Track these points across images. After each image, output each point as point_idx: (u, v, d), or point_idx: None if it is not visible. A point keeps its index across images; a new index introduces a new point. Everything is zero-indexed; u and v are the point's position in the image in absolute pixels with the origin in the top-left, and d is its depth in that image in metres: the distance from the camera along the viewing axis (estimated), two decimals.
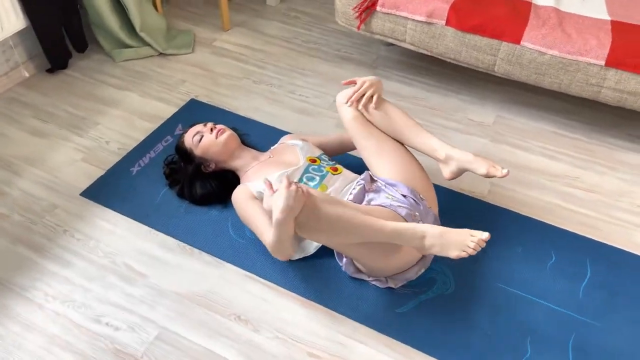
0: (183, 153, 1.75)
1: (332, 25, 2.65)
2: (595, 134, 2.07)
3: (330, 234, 1.34)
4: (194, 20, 2.68)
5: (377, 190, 1.53)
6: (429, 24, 1.97)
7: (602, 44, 1.76)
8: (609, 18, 1.88)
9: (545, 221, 1.73)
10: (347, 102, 1.60)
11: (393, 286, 1.51)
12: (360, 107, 1.59)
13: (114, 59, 2.38)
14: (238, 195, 1.61)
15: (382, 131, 1.61)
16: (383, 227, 1.32)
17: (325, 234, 1.34)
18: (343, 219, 1.30)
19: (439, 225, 1.52)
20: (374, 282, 1.52)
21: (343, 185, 1.58)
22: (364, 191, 1.53)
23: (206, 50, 2.48)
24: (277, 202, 1.26)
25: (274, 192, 1.32)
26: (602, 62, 1.76)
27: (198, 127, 1.75)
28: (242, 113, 2.13)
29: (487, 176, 1.47)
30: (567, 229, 1.71)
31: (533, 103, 2.19)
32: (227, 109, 2.15)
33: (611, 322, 1.47)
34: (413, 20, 1.99)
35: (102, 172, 1.87)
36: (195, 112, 2.13)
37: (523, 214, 1.76)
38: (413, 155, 1.62)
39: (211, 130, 1.72)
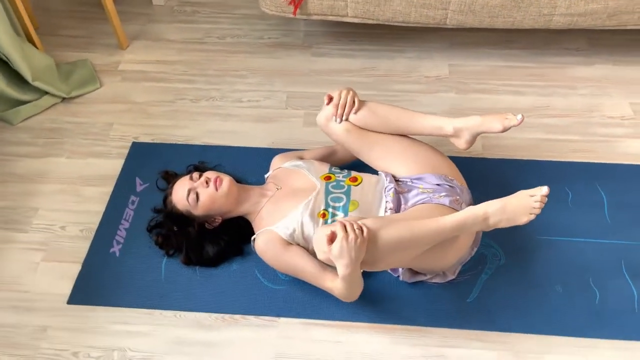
0: (179, 218, 1.51)
1: (239, 11, 2.40)
2: (539, 57, 2.14)
3: (396, 256, 1.26)
4: (79, 45, 2.26)
5: (409, 189, 1.45)
6: None
7: None
8: None
9: (544, 159, 1.78)
10: (334, 119, 1.49)
11: (452, 277, 1.48)
12: (349, 116, 1.48)
13: (11, 123, 1.95)
14: (268, 247, 1.43)
15: (379, 132, 1.51)
16: (443, 225, 1.25)
17: (391, 258, 1.26)
18: (404, 238, 1.21)
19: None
20: (434, 281, 1.48)
21: (372, 194, 1.47)
22: (398, 195, 1.44)
23: (114, 78, 2.12)
24: (341, 260, 1.17)
25: (330, 245, 1.18)
26: None
27: (185, 183, 1.50)
28: (199, 141, 1.88)
29: (505, 130, 1.44)
30: (565, 160, 1.78)
31: (474, 42, 2.20)
32: (180, 142, 1.88)
33: None
34: None
35: (79, 267, 1.56)
36: (146, 157, 1.83)
37: (523, 158, 1.79)
38: (420, 141, 1.55)
39: (206, 182, 1.48)
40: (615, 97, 1.97)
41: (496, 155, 1.80)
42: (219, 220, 1.53)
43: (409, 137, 1.54)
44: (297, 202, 1.45)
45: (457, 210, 1.38)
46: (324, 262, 1.31)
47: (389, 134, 1.51)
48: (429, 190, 1.42)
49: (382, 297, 1.47)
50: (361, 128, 1.50)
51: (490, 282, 1.49)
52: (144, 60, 2.19)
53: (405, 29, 2.25)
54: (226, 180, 1.50)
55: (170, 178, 1.66)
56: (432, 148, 1.54)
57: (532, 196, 1.28)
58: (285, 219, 1.43)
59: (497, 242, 1.57)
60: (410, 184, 1.46)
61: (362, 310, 1.44)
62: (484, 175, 1.73)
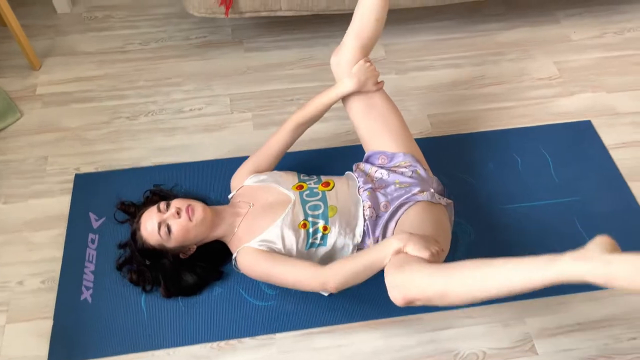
0: (151, 252, 1.44)
1: (157, 10, 2.25)
2: (466, 26, 2.21)
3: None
4: None
5: (386, 185, 1.47)
6: None
7: None
8: None
9: (489, 129, 1.88)
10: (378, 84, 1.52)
11: None
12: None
13: None
14: (252, 262, 1.39)
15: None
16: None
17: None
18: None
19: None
20: None
21: (348, 196, 1.47)
22: (374, 193, 1.46)
23: (34, 105, 1.94)
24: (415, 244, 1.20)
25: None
26: None
27: (154, 216, 1.42)
28: (148, 162, 1.78)
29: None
30: (507, 127, 1.88)
31: (402, 18, 2.22)
32: (127, 167, 1.77)
33: (592, 189, 1.72)
34: None
35: (51, 322, 1.45)
36: (94, 188, 1.71)
37: (469, 131, 1.87)
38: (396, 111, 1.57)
39: (177, 213, 1.41)
40: (539, 59, 2.10)
41: (445, 132, 1.87)
42: (193, 248, 1.47)
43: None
44: (274, 216, 1.43)
45: (439, 204, 1.43)
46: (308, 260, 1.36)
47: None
48: (405, 184, 1.45)
49: (369, 292, 1.50)
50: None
51: (465, 258, 1.57)
52: (62, 79, 2.01)
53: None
54: (199, 207, 1.44)
55: (129, 209, 1.57)
56: (406, 125, 1.57)
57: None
58: (262, 234, 1.41)
59: (464, 218, 1.65)
60: (384, 176, 1.48)
61: (354, 310, 1.47)
62: (438, 155, 1.78)
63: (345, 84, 1.51)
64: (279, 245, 1.38)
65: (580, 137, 1.86)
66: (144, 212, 1.47)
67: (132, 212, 1.56)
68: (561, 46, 2.13)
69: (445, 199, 1.48)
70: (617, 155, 1.81)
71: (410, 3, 1.92)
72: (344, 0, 1.87)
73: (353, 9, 1.88)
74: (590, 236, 1.58)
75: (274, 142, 1.56)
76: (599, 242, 1.03)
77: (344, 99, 1.55)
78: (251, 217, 1.46)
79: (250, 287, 1.51)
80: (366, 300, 1.49)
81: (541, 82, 2.02)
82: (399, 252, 1.21)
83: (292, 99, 1.96)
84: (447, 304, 1.14)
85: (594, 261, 0.99)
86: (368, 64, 1.50)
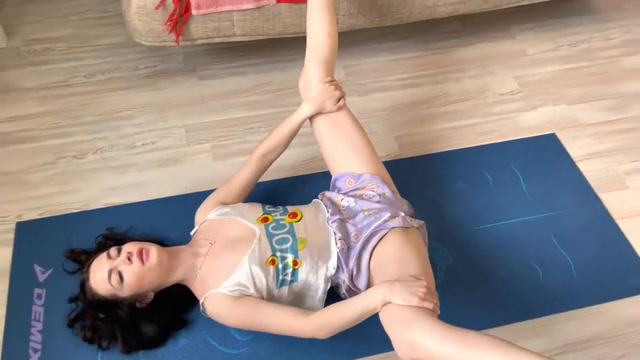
0: (104, 304, 1.30)
1: (101, 41, 2.13)
2: (423, 44, 2.18)
3: None
4: None
5: (354, 214, 1.39)
6: (259, 8, 1.72)
7: None
8: None
9: (457, 148, 1.83)
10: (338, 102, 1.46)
11: None
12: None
13: None
14: (221, 309, 1.28)
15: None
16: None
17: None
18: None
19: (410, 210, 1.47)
20: None
21: (317, 228, 1.37)
22: (343, 224, 1.38)
23: None
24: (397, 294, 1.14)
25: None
26: None
27: (104, 264, 1.28)
28: (99, 204, 1.64)
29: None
30: (475, 144, 1.85)
31: (361, 39, 2.17)
32: (75, 210, 1.62)
33: (564, 203, 1.69)
34: (239, 10, 1.71)
35: None
36: (39, 237, 1.56)
37: (437, 151, 1.82)
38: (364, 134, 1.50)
39: (128, 259, 1.28)
40: (499, 74, 2.08)
41: (413, 154, 1.82)
42: (151, 296, 1.34)
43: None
44: (239, 254, 1.32)
45: (412, 227, 1.36)
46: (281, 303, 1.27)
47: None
48: (374, 211, 1.37)
49: (353, 328, 1.40)
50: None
51: (446, 285, 1.50)
52: (1, 119, 1.85)
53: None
54: (153, 250, 1.31)
55: (79, 257, 1.43)
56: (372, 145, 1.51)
57: None
58: (231, 277, 1.29)
59: (439, 242, 1.59)
60: (351, 204, 1.40)
61: (336, 348, 1.37)
62: (408, 177, 1.72)
63: (303, 108, 1.45)
64: (251, 289, 1.27)
65: (547, 150, 1.84)
66: (93, 260, 1.33)
67: (83, 260, 1.42)
68: (519, 61, 2.13)
69: (417, 220, 1.41)
70: (584, 167, 1.79)
71: (368, 23, 1.87)
72: (300, 23, 1.80)
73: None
74: (574, 259, 1.57)
75: (240, 174, 1.47)
76: None
77: (311, 120, 1.48)
78: (213, 257, 1.35)
79: (218, 333, 1.39)
80: (350, 336, 1.39)
81: (503, 97, 2.01)
82: (385, 304, 1.13)
83: (252, 127, 1.87)
84: None
85: None
86: (327, 84, 1.44)
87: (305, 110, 1.44)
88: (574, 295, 1.50)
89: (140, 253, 1.29)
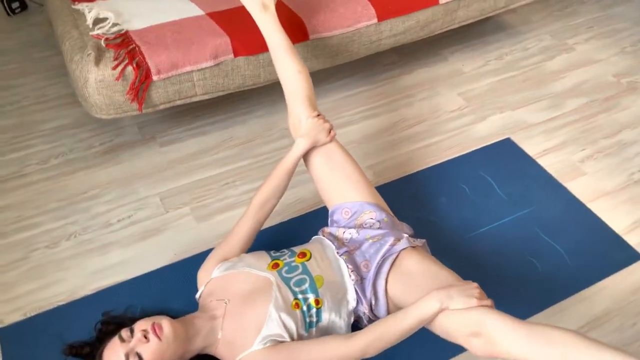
0: None
1: (47, 125, 2.03)
2: (369, 78, 2.29)
3: None
4: None
5: (359, 244, 1.40)
6: (217, 65, 1.74)
7: (366, 6, 1.90)
8: None
9: (428, 166, 1.91)
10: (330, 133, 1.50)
11: None
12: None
13: None
14: None
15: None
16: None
17: None
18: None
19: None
20: None
21: (328, 263, 1.36)
22: (351, 256, 1.38)
23: None
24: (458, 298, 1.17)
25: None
26: (375, 20, 1.91)
27: (118, 349, 1.18)
28: (87, 290, 1.53)
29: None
30: (443, 160, 1.94)
31: (325, 81, 2.24)
32: (63, 302, 1.50)
33: (537, 198, 1.80)
34: (199, 70, 1.72)
35: None
36: (28, 340, 1.41)
37: (412, 172, 1.89)
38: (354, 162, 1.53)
39: (144, 337, 1.20)
40: (445, 94, 2.22)
41: (389, 179, 1.87)
42: None
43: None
44: (261, 306, 1.27)
45: (418, 247, 1.38)
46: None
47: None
48: (377, 237, 1.39)
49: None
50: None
51: None
52: None
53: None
54: (165, 322, 1.23)
55: (82, 350, 1.32)
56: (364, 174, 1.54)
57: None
58: (263, 331, 1.24)
59: (437, 256, 1.60)
60: (353, 235, 1.42)
61: None
62: (391, 201, 1.73)
63: (299, 144, 1.46)
64: (286, 337, 1.23)
65: (507, 154, 1.96)
66: (104, 348, 1.23)
67: (88, 353, 1.30)
68: (458, 79, 2.29)
69: (419, 240, 1.44)
70: (543, 163, 1.93)
71: (321, 65, 1.94)
72: (258, 74, 1.83)
73: (268, 81, 1.89)
74: (558, 243, 1.67)
75: (241, 226, 1.43)
76: None
77: (304, 158, 1.49)
78: (233, 316, 1.29)
79: None
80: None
81: (454, 113, 2.13)
82: (440, 312, 1.14)
83: (227, 182, 1.84)
84: None
85: None
86: (315, 118, 1.47)
87: (300, 145, 1.46)
88: (574, 279, 1.58)
89: (154, 328, 1.21)
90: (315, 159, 1.49)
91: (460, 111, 2.14)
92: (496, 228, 1.71)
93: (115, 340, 1.21)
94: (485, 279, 1.53)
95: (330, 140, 1.49)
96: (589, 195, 1.82)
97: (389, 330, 1.18)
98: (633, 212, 1.77)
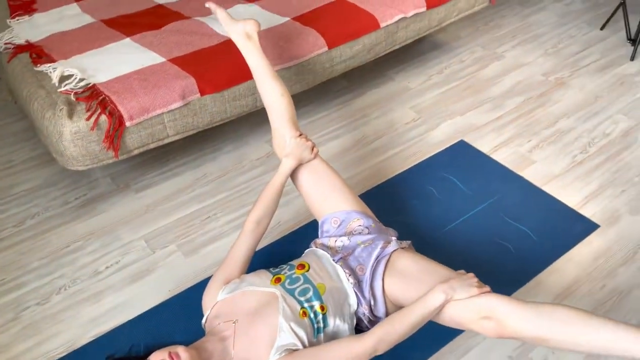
0: None
1: (17, 189, 2.03)
2: (325, 104, 2.42)
3: None
4: None
5: (352, 250, 1.49)
6: (186, 105, 1.82)
7: (317, 37, 2.05)
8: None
9: (395, 174, 2.04)
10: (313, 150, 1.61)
11: None
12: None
13: None
14: None
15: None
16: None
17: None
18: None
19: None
20: None
21: (326, 271, 1.44)
22: (346, 261, 1.46)
23: None
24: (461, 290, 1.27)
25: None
26: (326, 48, 2.07)
27: None
28: (86, 339, 1.53)
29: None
30: (407, 167, 2.07)
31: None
32: (63, 354, 1.49)
33: (498, 189, 1.96)
34: (168, 111, 1.79)
35: None
36: None
37: (382, 182, 2.01)
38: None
39: None
40: (397, 109, 2.38)
41: (362, 190, 1.98)
42: None
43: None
44: (271, 319, 1.32)
45: (407, 248, 1.48)
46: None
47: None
48: (368, 242, 1.49)
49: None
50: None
51: None
52: None
53: (204, 131, 2.27)
54: (181, 349, 1.26)
55: None
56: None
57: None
58: (276, 343, 1.28)
59: (423, 253, 1.73)
60: (345, 242, 1.50)
61: None
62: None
63: (285, 163, 1.55)
64: (299, 345, 1.28)
65: (464, 154, 2.13)
66: None
67: None
68: (406, 95, 2.47)
69: (405, 241, 1.55)
70: (497, 157, 2.10)
71: None
72: (225, 110, 1.93)
73: (235, 115, 1.98)
74: (522, 224, 1.81)
75: (238, 248, 1.49)
76: None
77: (291, 176, 1.58)
78: (243, 334, 1.33)
79: None
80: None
81: (409, 125, 2.29)
82: (446, 303, 1.25)
83: (208, 216, 1.90)
84: (537, 345, 1.24)
85: None
86: (298, 138, 1.57)
87: (287, 164, 1.55)
88: (543, 255, 1.72)
89: (171, 356, 1.24)
90: (302, 175, 1.59)
91: (414, 122, 2.31)
92: (466, 220, 1.85)
93: None
94: (465, 267, 1.65)
95: (314, 157, 1.60)
96: (541, 179, 2.00)
97: (398, 325, 1.25)
98: (582, 188, 1.96)
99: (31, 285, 1.68)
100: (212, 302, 1.43)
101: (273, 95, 1.64)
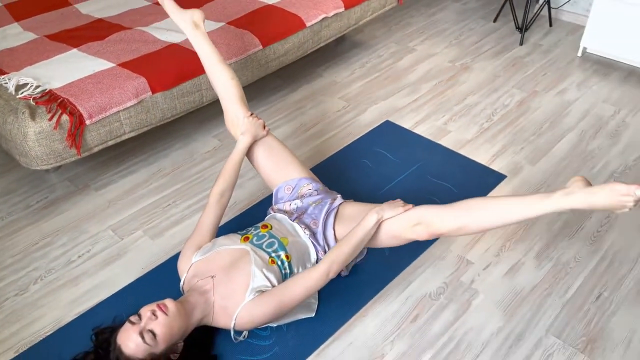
0: None
1: None
2: (263, 101, 2.66)
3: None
4: None
5: (304, 209, 1.72)
6: (139, 102, 1.99)
7: (251, 37, 2.29)
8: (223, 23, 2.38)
9: (334, 152, 2.30)
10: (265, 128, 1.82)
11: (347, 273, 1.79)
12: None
13: None
14: (260, 310, 1.45)
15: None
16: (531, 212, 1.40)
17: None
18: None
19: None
20: (344, 274, 1.76)
21: (286, 228, 1.66)
22: (301, 218, 1.69)
23: None
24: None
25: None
26: (261, 47, 2.31)
27: (131, 331, 1.36)
28: (70, 317, 1.65)
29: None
30: (344, 145, 2.34)
31: (214, 110, 2.56)
32: (49, 332, 1.61)
33: (422, 156, 2.27)
34: (124, 109, 1.96)
35: None
36: None
37: (322, 160, 2.26)
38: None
39: (153, 314, 1.39)
40: (329, 101, 2.66)
41: (314, 164, 2.22)
42: (181, 345, 1.46)
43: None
44: (244, 269, 1.51)
45: (350, 201, 1.74)
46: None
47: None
48: (318, 201, 1.73)
49: (335, 296, 1.69)
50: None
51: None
52: None
53: (154, 131, 2.43)
54: (168, 300, 1.44)
55: (88, 357, 1.46)
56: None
57: (624, 195, 1.31)
58: (250, 286, 1.48)
59: None
60: (298, 204, 1.73)
61: (334, 313, 1.64)
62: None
63: (241, 140, 1.75)
64: (270, 287, 1.49)
65: (391, 131, 2.43)
66: (116, 335, 1.39)
67: (94, 357, 1.45)
68: (335, 88, 2.75)
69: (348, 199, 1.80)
70: (418, 131, 2.42)
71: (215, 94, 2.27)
72: (175, 106, 2.11)
73: (184, 111, 2.18)
74: (445, 181, 2.13)
75: (207, 217, 1.67)
76: (576, 181, 1.39)
77: (247, 153, 1.78)
78: (221, 285, 1.52)
79: (246, 348, 1.54)
80: (339, 301, 1.68)
81: (340, 112, 2.57)
82: (378, 222, 1.51)
83: (168, 204, 2.07)
84: (462, 234, 1.54)
85: (579, 194, 1.36)
86: (251, 117, 1.78)
87: (244, 140, 1.75)
88: None
89: (160, 307, 1.41)
90: (257, 151, 1.80)
91: (344, 110, 2.59)
92: (399, 182, 2.14)
93: (126, 325, 1.39)
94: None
95: (267, 134, 1.82)
96: (457, 145, 2.34)
97: (345, 247, 1.50)
98: (490, 149, 2.31)
99: (7, 280, 1.78)
100: (188, 264, 1.60)
101: (224, 78, 1.84)
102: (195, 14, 1.92)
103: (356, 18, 2.71)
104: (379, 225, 1.55)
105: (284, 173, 1.79)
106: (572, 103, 2.60)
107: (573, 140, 2.35)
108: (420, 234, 1.50)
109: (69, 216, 2.02)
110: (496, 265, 1.79)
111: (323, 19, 2.53)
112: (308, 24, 2.46)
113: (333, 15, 2.57)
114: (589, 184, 1.39)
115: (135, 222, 1.99)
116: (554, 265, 1.78)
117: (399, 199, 1.60)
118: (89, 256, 1.86)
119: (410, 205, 1.56)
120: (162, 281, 1.76)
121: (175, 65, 2.09)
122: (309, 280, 1.48)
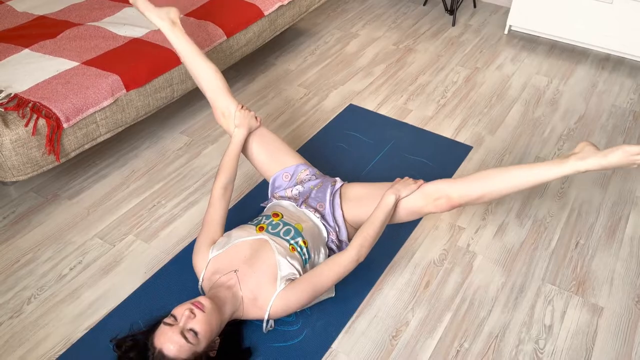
0: None
1: None
2: None
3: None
4: None
5: (308, 194, 1.75)
6: (115, 101, 1.89)
7: (215, 28, 2.25)
8: None
9: (311, 136, 2.34)
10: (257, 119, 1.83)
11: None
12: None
13: None
14: (294, 297, 1.46)
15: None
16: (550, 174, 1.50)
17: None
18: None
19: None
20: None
21: (297, 215, 1.68)
22: (309, 204, 1.72)
23: None
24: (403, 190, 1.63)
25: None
26: (225, 37, 2.28)
27: (170, 333, 1.32)
28: (80, 332, 1.56)
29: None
30: (316, 131, 2.38)
31: (184, 103, 2.48)
32: (61, 353, 1.50)
33: (392, 135, 2.37)
34: (100, 109, 1.85)
35: None
36: None
37: (298, 148, 2.29)
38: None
39: (191, 312, 1.36)
40: (287, 88, 2.68)
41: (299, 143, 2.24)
42: (218, 340, 1.44)
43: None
44: (268, 259, 1.52)
45: (350, 182, 1.79)
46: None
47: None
48: (319, 185, 1.76)
49: (348, 274, 1.76)
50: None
51: None
52: None
53: (119, 134, 2.31)
54: (203, 298, 1.41)
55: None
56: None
57: (636, 154, 1.44)
58: (279, 275, 1.49)
59: None
60: (300, 189, 1.76)
61: (352, 290, 1.70)
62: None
63: (237, 133, 1.74)
64: (297, 275, 1.51)
65: (356, 114, 2.51)
66: (152, 340, 1.35)
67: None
68: (291, 76, 2.78)
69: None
70: (382, 112, 2.53)
71: (183, 88, 2.22)
72: (148, 103, 2.03)
73: (156, 108, 2.12)
74: (419, 156, 2.25)
75: (213, 213, 1.64)
76: (586, 145, 1.52)
77: (243, 147, 1.77)
78: (247, 277, 1.51)
79: (276, 336, 1.56)
80: (349, 280, 1.74)
81: (303, 99, 2.61)
82: (397, 201, 1.58)
83: (154, 204, 1.99)
84: (481, 203, 1.64)
85: (594, 158, 1.48)
86: (242, 110, 1.77)
87: (240, 133, 1.74)
88: (441, 174, 2.17)
89: (196, 305, 1.38)
90: (252, 143, 1.80)
91: (306, 97, 2.63)
92: (377, 162, 2.23)
93: (162, 328, 1.35)
94: None
95: (260, 125, 1.81)
96: (421, 122, 2.47)
97: (370, 230, 1.56)
98: (451, 123, 2.47)
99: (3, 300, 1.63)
100: (205, 261, 1.57)
101: (208, 72, 1.81)
102: (172, 12, 1.86)
103: (306, 5, 2.75)
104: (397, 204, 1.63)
105: (280, 162, 1.81)
106: (510, 77, 2.84)
107: (520, 109, 2.58)
108: (442, 207, 1.60)
109: (46, 228, 1.88)
110: (485, 228, 1.94)
111: (279, 7, 2.53)
112: (266, 13, 2.46)
113: (288, 3, 2.58)
114: (596, 147, 1.54)
115: (122, 227, 1.90)
116: (534, 222, 1.97)
117: (406, 177, 1.68)
118: (82, 268, 1.75)
119: (421, 181, 1.64)
120: (170, 282, 1.71)
121: (145, 61, 2.01)
122: (339, 267, 1.52)
